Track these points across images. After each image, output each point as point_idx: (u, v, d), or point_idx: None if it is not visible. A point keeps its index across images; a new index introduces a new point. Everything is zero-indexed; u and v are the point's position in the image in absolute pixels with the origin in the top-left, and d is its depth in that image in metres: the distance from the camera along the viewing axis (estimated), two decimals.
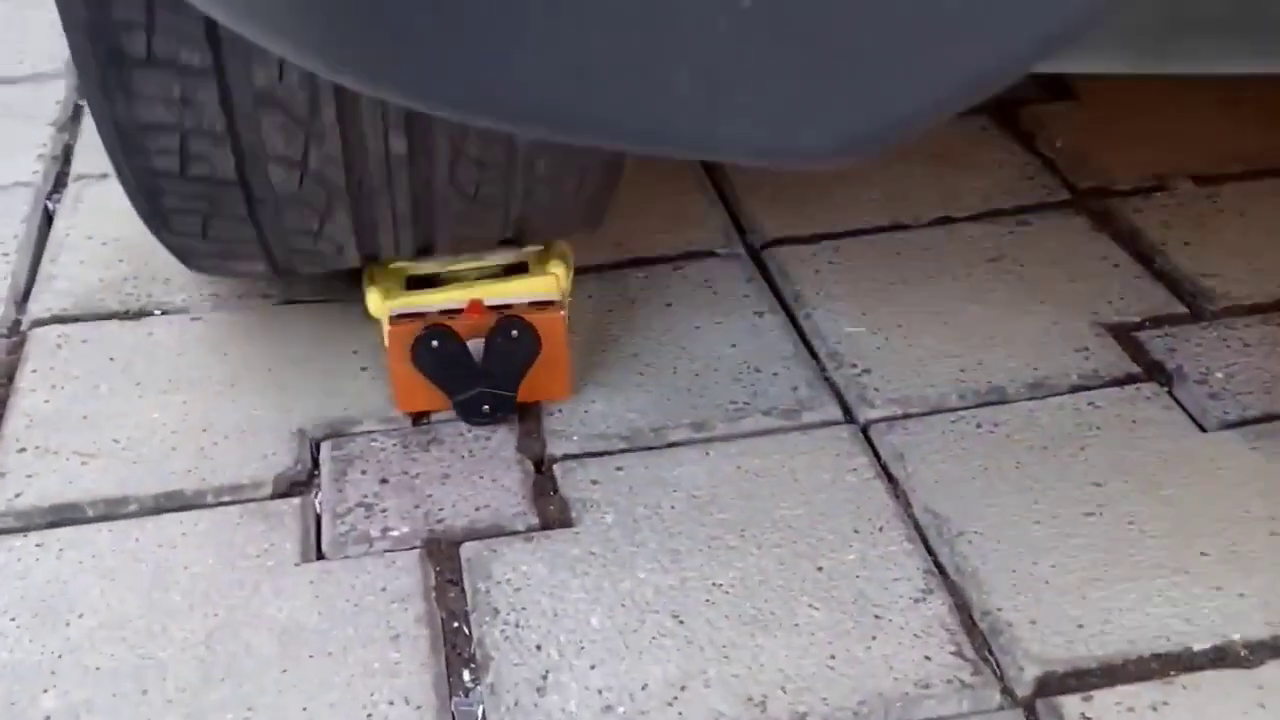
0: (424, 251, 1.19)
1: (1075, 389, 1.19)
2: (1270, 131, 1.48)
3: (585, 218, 1.20)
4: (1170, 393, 1.17)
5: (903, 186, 1.47)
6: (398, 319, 1.18)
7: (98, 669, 0.99)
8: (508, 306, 1.18)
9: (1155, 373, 1.20)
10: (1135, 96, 1.61)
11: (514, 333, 1.17)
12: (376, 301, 1.19)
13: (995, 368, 1.21)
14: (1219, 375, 1.18)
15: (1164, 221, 1.38)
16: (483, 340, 1.17)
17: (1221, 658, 0.95)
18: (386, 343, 1.19)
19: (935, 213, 1.43)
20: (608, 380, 1.23)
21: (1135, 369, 1.20)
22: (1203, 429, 1.13)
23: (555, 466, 1.15)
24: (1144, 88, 1.62)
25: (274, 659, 0.99)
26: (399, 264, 1.23)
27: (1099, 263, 1.33)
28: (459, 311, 1.18)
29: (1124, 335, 1.24)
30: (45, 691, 0.97)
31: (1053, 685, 0.93)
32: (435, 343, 1.16)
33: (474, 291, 1.19)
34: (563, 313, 1.19)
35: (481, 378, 1.18)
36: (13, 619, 1.03)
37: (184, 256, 1.18)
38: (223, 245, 1.15)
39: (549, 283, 1.20)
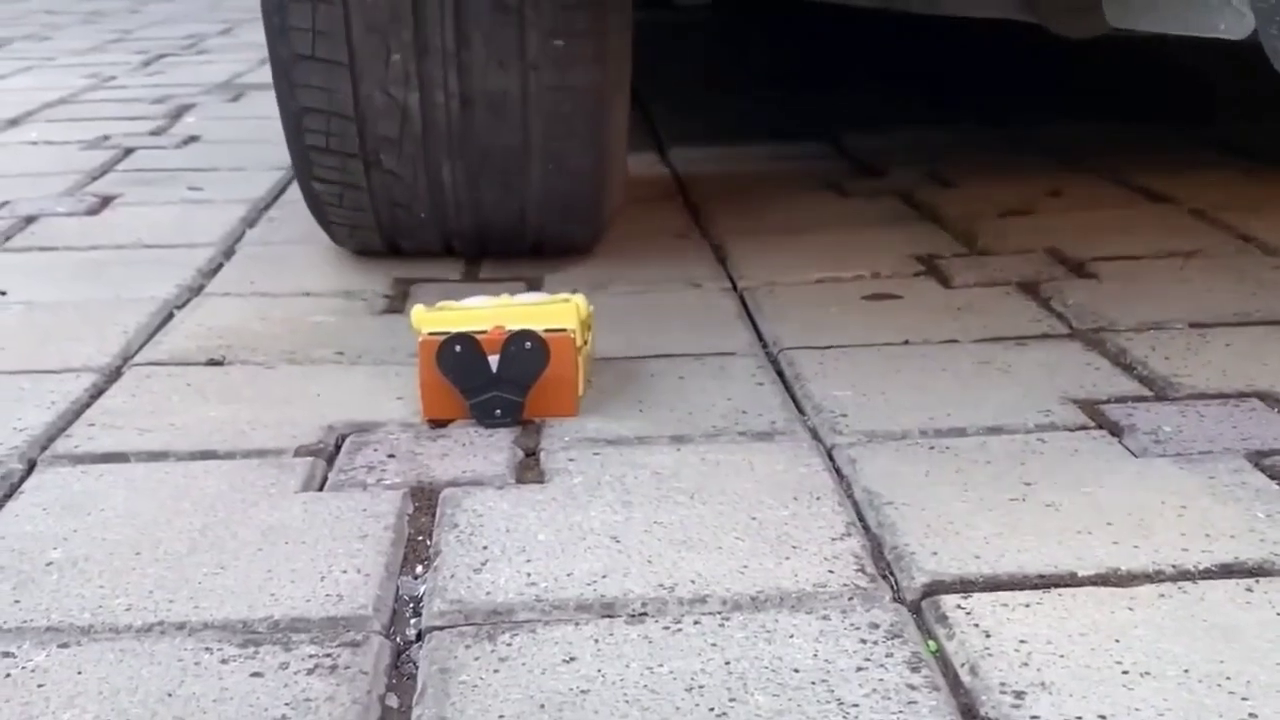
0: (479, 245, 1.88)
1: (1029, 432, 1.27)
2: (1260, 298, 1.57)
3: (583, 221, 1.86)
4: (1120, 441, 1.25)
5: (920, 320, 1.59)
6: (431, 334, 1.35)
7: (104, 539, 1.12)
8: None
9: (1108, 427, 1.28)
10: (1155, 277, 1.73)
11: (527, 344, 1.32)
12: (419, 314, 1.37)
13: (961, 419, 1.31)
14: (1167, 429, 1.26)
15: (1152, 346, 1.48)
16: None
17: (1103, 581, 1.01)
18: (418, 354, 1.34)
19: (944, 336, 1.55)
20: (611, 413, 1.36)
21: (1090, 423, 1.29)
22: (1136, 457, 1.21)
23: (541, 452, 1.27)
24: (1162, 272, 1.74)
25: (254, 541, 1.11)
26: (446, 303, 1.41)
27: (1083, 367, 1.43)
28: (484, 333, 1.34)
29: (1089, 406, 1.33)
30: (54, 549, 1.11)
31: (939, 589, 1.00)
32: (458, 347, 1.32)
33: (499, 318, 1.35)
34: (573, 336, 1.34)
35: (496, 383, 1.32)
36: (44, 509, 1.18)
37: (323, 217, 1.91)
38: (349, 211, 1.85)
39: (565, 311, 1.35)
